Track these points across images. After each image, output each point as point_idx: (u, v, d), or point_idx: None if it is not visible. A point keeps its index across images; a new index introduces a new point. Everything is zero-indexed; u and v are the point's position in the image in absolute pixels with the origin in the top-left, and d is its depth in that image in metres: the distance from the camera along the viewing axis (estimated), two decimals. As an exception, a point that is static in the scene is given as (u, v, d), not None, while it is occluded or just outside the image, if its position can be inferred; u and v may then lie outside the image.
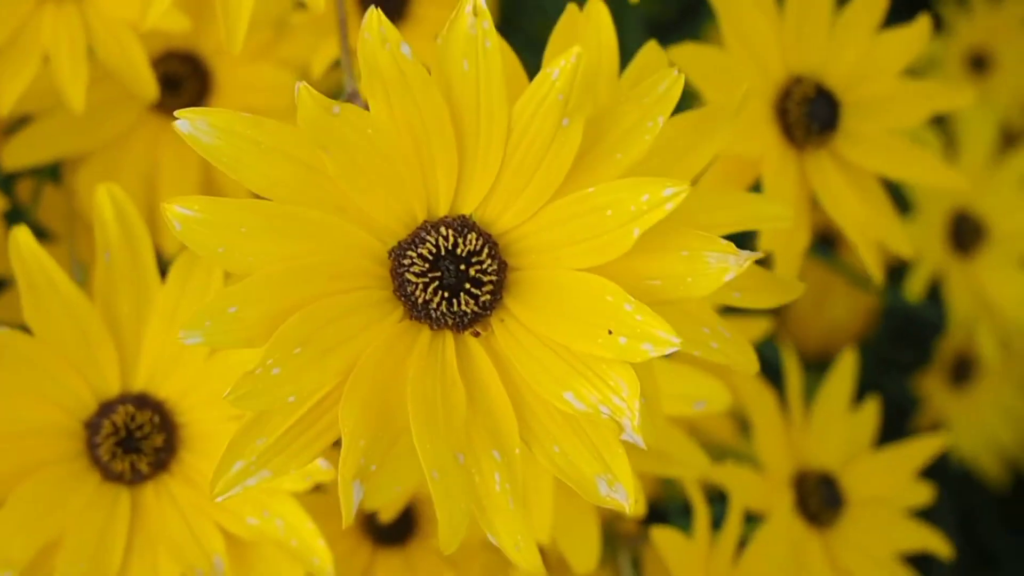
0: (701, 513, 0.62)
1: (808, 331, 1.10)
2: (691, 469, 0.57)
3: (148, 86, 0.61)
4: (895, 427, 0.89)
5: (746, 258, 0.40)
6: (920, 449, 0.75)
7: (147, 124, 0.67)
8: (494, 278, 0.41)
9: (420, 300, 0.41)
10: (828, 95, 0.61)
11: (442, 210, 0.42)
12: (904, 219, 0.93)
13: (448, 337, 0.42)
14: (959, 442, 1.09)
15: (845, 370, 0.74)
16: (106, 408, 0.53)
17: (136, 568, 0.52)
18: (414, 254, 0.41)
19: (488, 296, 0.41)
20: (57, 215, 0.69)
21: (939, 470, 1.22)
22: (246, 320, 0.39)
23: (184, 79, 0.68)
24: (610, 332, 0.39)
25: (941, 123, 1.00)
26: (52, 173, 0.69)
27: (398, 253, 0.42)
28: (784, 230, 0.58)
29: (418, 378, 0.40)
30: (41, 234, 0.59)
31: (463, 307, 0.41)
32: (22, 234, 0.52)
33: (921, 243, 0.93)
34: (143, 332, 0.53)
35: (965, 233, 0.98)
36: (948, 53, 1.12)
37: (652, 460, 0.56)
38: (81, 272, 0.63)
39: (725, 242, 0.41)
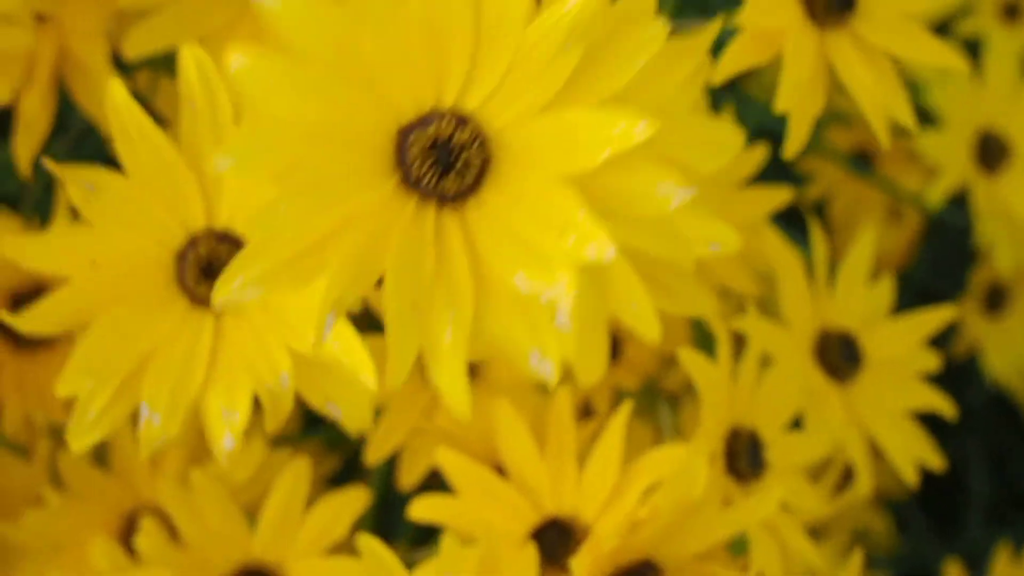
0: (723, 341, 0.69)
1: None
2: (700, 307, 0.62)
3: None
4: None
5: (690, 192, 0.48)
6: (931, 318, 0.82)
7: (248, 14, 0.73)
8: (478, 168, 0.49)
9: (415, 175, 0.49)
10: (849, -23, 0.67)
11: (448, 103, 0.50)
12: (931, 130, 0.98)
13: (431, 209, 0.49)
14: (993, 366, 1.14)
15: (866, 242, 0.81)
16: (194, 241, 0.59)
17: (216, 387, 0.58)
18: (419, 134, 0.49)
19: (470, 182, 0.49)
20: (172, 105, 0.74)
21: (974, 412, 1.26)
22: (268, 162, 0.46)
23: None
24: (562, 232, 0.46)
25: (972, 52, 1.05)
26: (167, 64, 0.75)
27: (406, 131, 0.49)
28: (801, 94, 0.64)
29: (399, 239, 0.48)
30: (160, 120, 0.64)
31: (448, 186, 0.49)
32: (116, 88, 0.58)
33: (947, 154, 0.98)
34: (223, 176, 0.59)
35: (991, 152, 1.02)
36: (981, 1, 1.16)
37: (668, 299, 0.61)
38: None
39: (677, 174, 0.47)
